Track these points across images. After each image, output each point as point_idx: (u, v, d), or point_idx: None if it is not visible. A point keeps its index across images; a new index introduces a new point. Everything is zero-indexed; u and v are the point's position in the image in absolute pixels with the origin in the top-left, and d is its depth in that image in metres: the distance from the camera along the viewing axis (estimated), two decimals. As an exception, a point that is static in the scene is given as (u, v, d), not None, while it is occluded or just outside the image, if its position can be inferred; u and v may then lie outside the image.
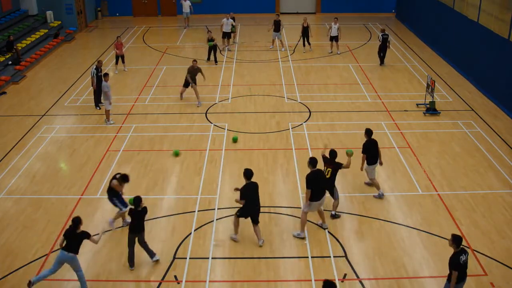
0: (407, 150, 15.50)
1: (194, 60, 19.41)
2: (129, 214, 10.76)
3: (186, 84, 19.13)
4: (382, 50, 23.08)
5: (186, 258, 10.98)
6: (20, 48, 24.65)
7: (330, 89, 20.62)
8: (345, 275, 10.43)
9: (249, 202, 11.14)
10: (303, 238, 11.44)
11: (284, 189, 13.51)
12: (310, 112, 18.29)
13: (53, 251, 11.19)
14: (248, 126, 17.29)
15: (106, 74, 17.37)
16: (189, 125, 17.42)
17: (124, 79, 22.15)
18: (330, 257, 10.94)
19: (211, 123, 17.49)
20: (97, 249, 11.26)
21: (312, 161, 11.37)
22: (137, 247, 10.89)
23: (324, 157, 12.15)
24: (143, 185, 13.75)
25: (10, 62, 23.35)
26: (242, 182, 13.82)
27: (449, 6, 24.21)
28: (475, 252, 11.05)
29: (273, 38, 26.03)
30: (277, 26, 25.44)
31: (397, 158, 15.02)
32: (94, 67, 18.66)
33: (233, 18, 25.94)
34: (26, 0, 29.29)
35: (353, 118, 17.73)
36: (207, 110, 18.56)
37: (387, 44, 22.83)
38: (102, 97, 17.56)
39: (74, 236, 9.72)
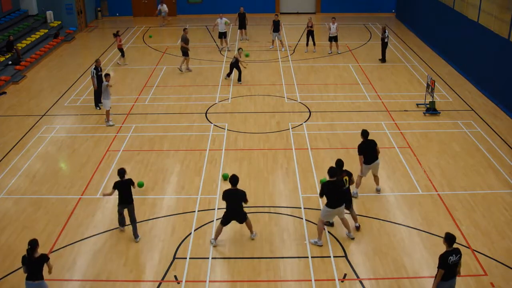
0: (407, 150, 15.51)
1: (185, 29, 22.98)
2: (114, 187, 11.36)
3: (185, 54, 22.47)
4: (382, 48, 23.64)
5: (186, 258, 10.98)
6: (20, 48, 24.66)
7: (330, 89, 20.62)
8: (345, 275, 10.43)
9: (228, 209, 11.13)
10: (321, 246, 11.25)
11: (284, 189, 13.51)
12: (310, 112, 18.29)
13: (53, 251, 11.19)
14: (248, 126, 17.29)
15: (107, 75, 17.28)
16: (189, 125, 17.42)
17: (124, 79, 22.15)
18: (330, 257, 10.94)
19: (211, 123, 17.50)
20: (97, 249, 11.27)
21: (333, 170, 10.98)
22: (137, 248, 10.91)
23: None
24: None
25: (10, 62, 23.35)
26: (242, 182, 13.86)
27: (449, 6, 24.20)
28: (475, 252, 11.05)
29: (273, 38, 26.04)
30: (276, 26, 25.47)
31: (397, 158, 15.02)
32: (93, 67, 18.67)
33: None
34: (26, 0, 29.29)
35: (353, 118, 17.73)
36: (207, 110, 18.56)
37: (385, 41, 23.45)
38: (102, 97, 17.43)
39: (33, 263, 9.03)
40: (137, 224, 11.67)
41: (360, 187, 13.35)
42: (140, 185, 13.33)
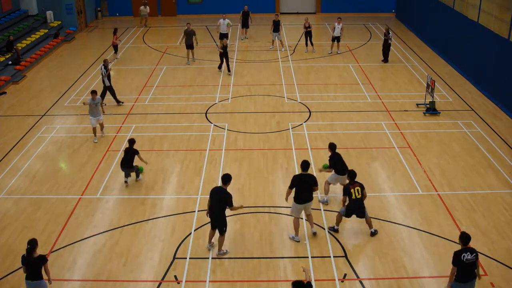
0: (407, 150, 15.51)
1: (188, 23, 23.92)
2: (125, 150, 13.56)
3: (187, 47, 23.75)
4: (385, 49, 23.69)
5: (186, 258, 10.98)
6: (20, 48, 24.66)
7: (330, 89, 20.62)
8: (345, 275, 10.43)
9: (211, 209, 10.72)
10: (298, 241, 11.35)
11: (284, 189, 13.44)
12: (310, 112, 18.29)
13: (53, 251, 11.19)
14: (248, 126, 17.29)
15: (94, 92, 16.06)
16: (189, 125, 17.42)
17: (124, 79, 22.15)
18: (330, 257, 10.94)
19: (211, 123, 17.50)
20: (97, 249, 11.27)
21: (306, 164, 11.18)
22: (137, 248, 10.90)
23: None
24: (143, 185, 13.76)
25: (10, 62, 23.36)
26: (242, 182, 13.90)
27: (449, 6, 24.20)
28: (475, 252, 11.05)
29: (273, 38, 26.05)
30: (276, 26, 25.48)
31: (397, 158, 15.02)
32: (102, 66, 18.85)
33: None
34: (26, 0, 29.29)
35: (353, 118, 17.73)
36: (207, 110, 18.56)
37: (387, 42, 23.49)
38: (90, 114, 16.06)
39: (31, 263, 9.10)
40: (138, 224, 11.76)
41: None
42: (140, 170, 14.01)
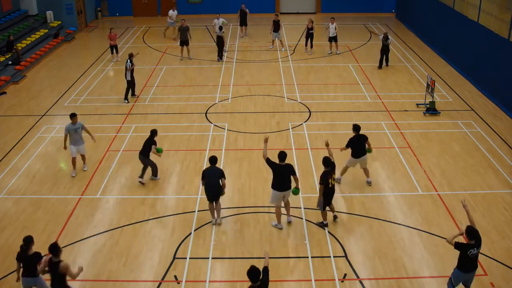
0: (407, 150, 15.51)
1: (182, 20, 24.36)
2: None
3: (182, 44, 24.11)
4: (385, 53, 22.90)
5: (186, 258, 10.98)
6: (20, 48, 24.67)
7: (330, 89, 20.62)
8: (345, 275, 10.43)
9: (207, 184, 11.73)
10: (281, 229, 11.85)
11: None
12: (310, 112, 18.29)
13: (53, 251, 11.19)
14: (248, 126, 17.29)
15: (74, 115, 14.03)
16: (189, 125, 17.42)
17: (124, 79, 22.11)
18: (330, 257, 10.94)
19: (211, 123, 17.50)
20: (97, 249, 11.27)
21: (283, 155, 11.68)
22: (137, 248, 10.91)
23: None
24: (143, 185, 13.75)
25: (10, 62, 23.35)
26: (242, 182, 13.90)
27: (449, 6, 24.20)
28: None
29: (273, 38, 26.06)
30: (276, 26, 25.49)
31: (397, 158, 15.02)
32: (128, 59, 19.23)
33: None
34: (26, 0, 29.29)
35: (353, 118, 17.72)
36: (207, 110, 18.56)
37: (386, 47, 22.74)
38: (70, 142, 14.17)
39: (27, 260, 9.24)
40: (138, 224, 11.80)
41: (360, 187, 13.38)
42: (159, 150, 13.74)
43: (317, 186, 13.31)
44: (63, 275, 8.93)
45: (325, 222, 11.84)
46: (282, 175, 11.56)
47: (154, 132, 13.67)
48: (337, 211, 12.31)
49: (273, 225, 11.96)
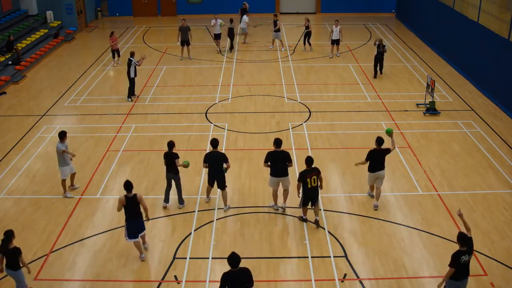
0: (407, 150, 15.51)
1: (183, 20, 24.21)
2: (164, 156, 12.40)
3: (182, 43, 24.11)
4: (379, 61, 21.83)
5: (186, 258, 10.98)
6: (20, 48, 24.66)
7: (330, 89, 20.62)
8: (345, 275, 10.43)
9: (211, 169, 12.24)
10: (277, 209, 12.43)
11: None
12: (310, 112, 18.29)
13: (53, 251, 11.19)
14: (248, 126, 17.29)
15: (64, 133, 13.04)
16: (189, 125, 17.42)
17: (124, 79, 22.12)
18: (330, 257, 10.94)
19: (211, 123, 17.50)
20: (97, 249, 11.27)
21: (279, 141, 12.10)
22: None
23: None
24: (143, 185, 13.75)
25: (10, 62, 23.35)
26: (242, 182, 13.90)
27: (449, 6, 24.20)
28: (475, 252, 11.03)
29: (273, 38, 26.06)
30: (276, 26, 25.51)
31: (397, 158, 15.02)
32: (130, 57, 19.37)
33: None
34: (26, 0, 29.29)
35: (353, 118, 17.72)
36: (207, 110, 18.56)
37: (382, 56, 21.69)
38: (59, 163, 13.11)
39: (7, 253, 9.48)
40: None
41: (360, 187, 13.37)
42: (186, 163, 12.35)
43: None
44: None
45: (304, 217, 12.03)
46: (277, 161, 12.02)
47: (172, 145, 12.35)
48: (337, 211, 12.31)
49: (270, 205, 12.63)
